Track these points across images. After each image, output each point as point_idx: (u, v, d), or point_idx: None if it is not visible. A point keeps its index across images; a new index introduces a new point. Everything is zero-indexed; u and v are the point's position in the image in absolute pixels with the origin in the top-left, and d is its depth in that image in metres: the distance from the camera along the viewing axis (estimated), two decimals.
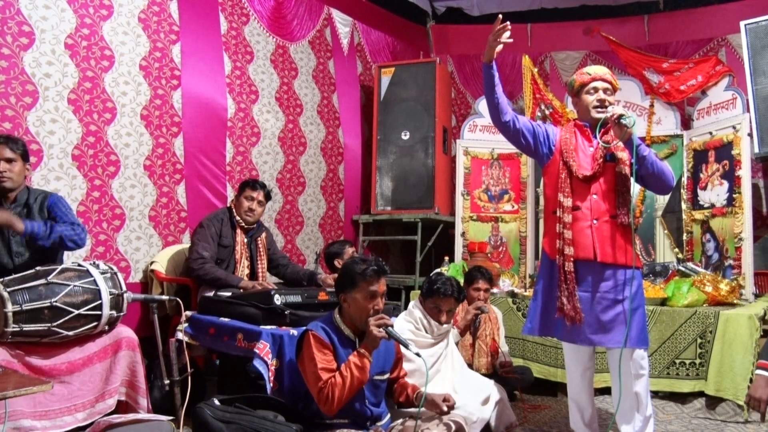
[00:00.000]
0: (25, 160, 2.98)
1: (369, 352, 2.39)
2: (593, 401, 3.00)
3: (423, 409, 2.47)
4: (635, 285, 2.75)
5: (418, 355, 2.47)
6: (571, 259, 2.79)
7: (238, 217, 3.79)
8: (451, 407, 2.53)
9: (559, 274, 2.81)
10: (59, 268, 2.68)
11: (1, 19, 3.34)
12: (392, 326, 2.44)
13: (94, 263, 2.82)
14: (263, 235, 3.95)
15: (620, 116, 2.67)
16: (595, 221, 2.78)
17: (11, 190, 2.93)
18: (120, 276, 2.83)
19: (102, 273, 2.76)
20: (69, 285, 2.62)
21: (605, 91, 2.85)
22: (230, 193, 4.53)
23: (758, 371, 2.37)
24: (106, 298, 2.69)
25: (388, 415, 2.62)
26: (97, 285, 2.69)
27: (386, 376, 2.60)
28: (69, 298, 2.60)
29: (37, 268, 2.68)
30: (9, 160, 2.89)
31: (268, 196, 3.91)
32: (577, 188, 2.83)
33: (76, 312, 2.60)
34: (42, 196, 3.05)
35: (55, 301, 2.55)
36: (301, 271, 4.05)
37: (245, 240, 3.82)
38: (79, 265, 2.79)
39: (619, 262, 2.76)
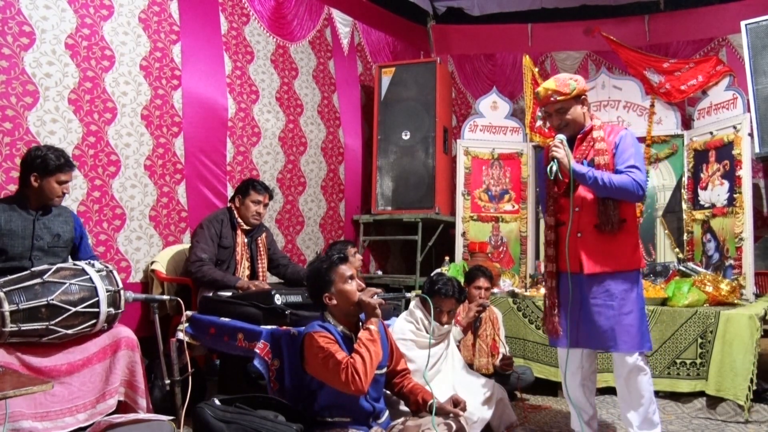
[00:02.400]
0: None
1: (374, 324, 2.43)
2: (593, 402, 3.01)
3: (437, 418, 2.48)
4: (625, 289, 2.77)
5: (419, 296, 2.56)
6: (553, 275, 2.91)
7: (239, 219, 3.79)
8: (464, 409, 2.55)
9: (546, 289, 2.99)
10: (54, 267, 2.68)
11: (2, 19, 3.34)
12: (381, 292, 2.54)
13: (89, 262, 2.83)
14: (263, 235, 3.95)
15: (552, 159, 2.77)
16: (579, 234, 2.81)
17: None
18: (116, 274, 2.83)
19: (98, 271, 2.76)
20: (65, 283, 2.62)
21: (556, 113, 2.87)
22: (231, 193, 4.53)
23: None
24: (102, 296, 2.69)
25: (387, 413, 2.62)
26: (93, 282, 2.69)
27: (384, 370, 2.60)
28: (65, 296, 2.60)
29: (32, 269, 2.68)
30: (69, 180, 2.97)
31: (271, 197, 3.93)
32: (563, 204, 2.89)
33: (74, 310, 2.60)
34: (66, 212, 3.13)
35: (52, 300, 2.55)
36: (301, 271, 4.04)
37: (246, 240, 3.82)
38: (75, 264, 2.80)
39: (607, 270, 2.77)
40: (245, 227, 3.81)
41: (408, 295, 2.77)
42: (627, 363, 2.77)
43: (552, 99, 2.83)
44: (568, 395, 3.00)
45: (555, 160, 2.76)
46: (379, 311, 2.47)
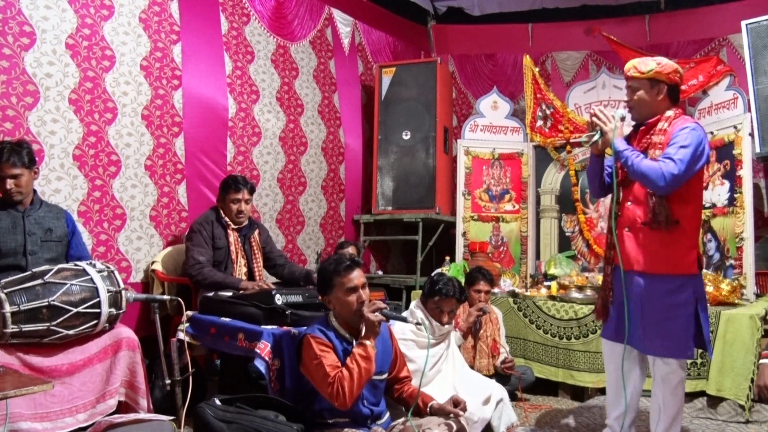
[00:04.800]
0: (31, 166, 3.01)
1: (371, 341, 2.39)
2: (624, 401, 2.89)
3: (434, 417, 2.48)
4: (670, 293, 2.67)
5: (419, 324, 2.60)
6: (609, 262, 2.86)
7: (227, 219, 3.74)
8: (464, 409, 2.54)
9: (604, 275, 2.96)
10: (56, 268, 2.68)
11: (2, 19, 3.34)
12: (386, 308, 2.45)
13: (90, 263, 2.83)
14: (256, 232, 3.90)
15: (595, 127, 2.76)
16: (627, 229, 2.75)
17: (22, 200, 3.00)
18: (117, 274, 2.83)
19: (99, 272, 2.76)
20: (66, 284, 2.62)
21: (629, 89, 2.80)
22: None
23: (762, 361, 2.37)
24: (104, 296, 2.69)
25: (388, 414, 2.62)
26: (94, 283, 2.69)
27: (385, 376, 2.60)
28: (67, 297, 2.60)
29: (33, 269, 2.69)
30: (14, 176, 2.93)
31: (252, 190, 3.84)
32: (621, 195, 2.82)
33: (75, 310, 2.60)
34: (56, 209, 3.17)
35: (53, 300, 2.55)
36: (297, 270, 4.01)
37: (239, 239, 3.79)
38: (76, 264, 2.80)
39: (651, 271, 2.68)
40: (234, 226, 3.77)
41: (411, 320, 2.67)
42: (662, 368, 2.71)
43: (629, 74, 2.78)
44: (607, 390, 2.97)
45: (598, 130, 2.70)
46: (378, 330, 2.42)
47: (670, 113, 2.74)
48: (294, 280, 3.93)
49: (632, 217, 2.73)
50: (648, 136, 2.75)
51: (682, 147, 2.59)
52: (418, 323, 2.59)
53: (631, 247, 2.73)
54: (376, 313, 2.40)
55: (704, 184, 4.81)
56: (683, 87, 4.98)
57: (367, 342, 2.38)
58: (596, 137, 2.71)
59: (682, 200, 2.66)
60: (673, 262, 2.66)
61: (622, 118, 2.78)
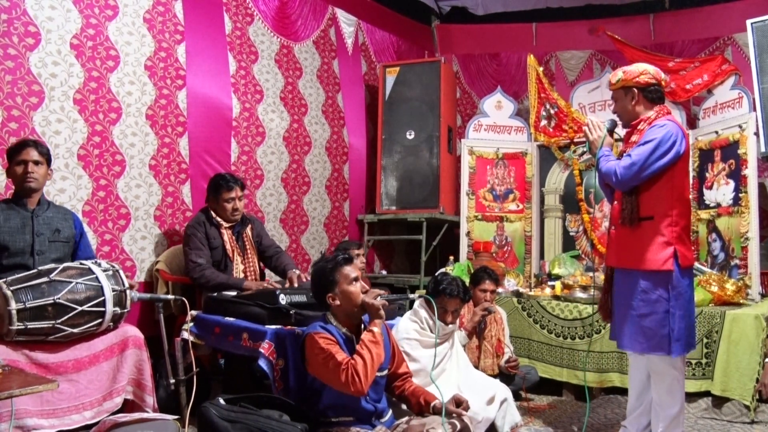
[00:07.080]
0: (49, 164, 3.05)
1: (378, 327, 2.44)
2: (633, 399, 3.00)
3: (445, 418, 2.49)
4: (645, 289, 2.72)
5: (420, 297, 2.83)
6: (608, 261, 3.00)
7: (218, 218, 3.72)
8: (466, 408, 2.56)
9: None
10: (61, 266, 2.70)
11: (8, 20, 3.35)
12: (384, 293, 2.56)
13: (95, 262, 2.84)
14: (248, 228, 3.88)
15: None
16: (613, 227, 2.89)
17: (35, 191, 3.01)
18: (122, 273, 2.84)
19: (104, 271, 2.77)
20: (71, 282, 2.63)
21: (612, 99, 2.96)
22: None
23: None
24: (109, 295, 2.70)
25: (390, 412, 2.62)
26: (99, 282, 2.70)
27: (385, 372, 2.60)
28: (72, 295, 2.61)
29: (39, 267, 2.70)
30: (36, 162, 2.96)
31: (243, 186, 3.81)
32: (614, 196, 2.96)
33: (80, 309, 2.61)
34: (64, 210, 3.19)
35: (59, 299, 2.56)
36: (281, 264, 3.92)
37: (233, 236, 3.77)
38: (81, 263, 2.81)
39: (625, 267, 2.81)
40: (227, 225, 3.76)
41: (412, 296, 2.83)
42: (649, 365, 2.80)
43: (608, 86, 2.94)
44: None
45: (587, 142, 2.90)
46: (383, 313, 2.47)
47: (650, 114, 2.82)
48: (278, 273, 3.92)
49: (615, 216, 2.86)
50: (631, 138, 2.88)
51: (641, 145, 2.71)
52: (422, 296, 2.69)
53: (612, 243, 2.91)
54: (378, 298, 2.48)
55: (709, 184, 4.81)
56: (687, 86, 5.02)
57: (375, 328, 2.43)
58: (583, 149, 2.88)
59: (656, 196, 2.73)
60: (644, 258, 2.72)
61: (614, 125, 2.93)
